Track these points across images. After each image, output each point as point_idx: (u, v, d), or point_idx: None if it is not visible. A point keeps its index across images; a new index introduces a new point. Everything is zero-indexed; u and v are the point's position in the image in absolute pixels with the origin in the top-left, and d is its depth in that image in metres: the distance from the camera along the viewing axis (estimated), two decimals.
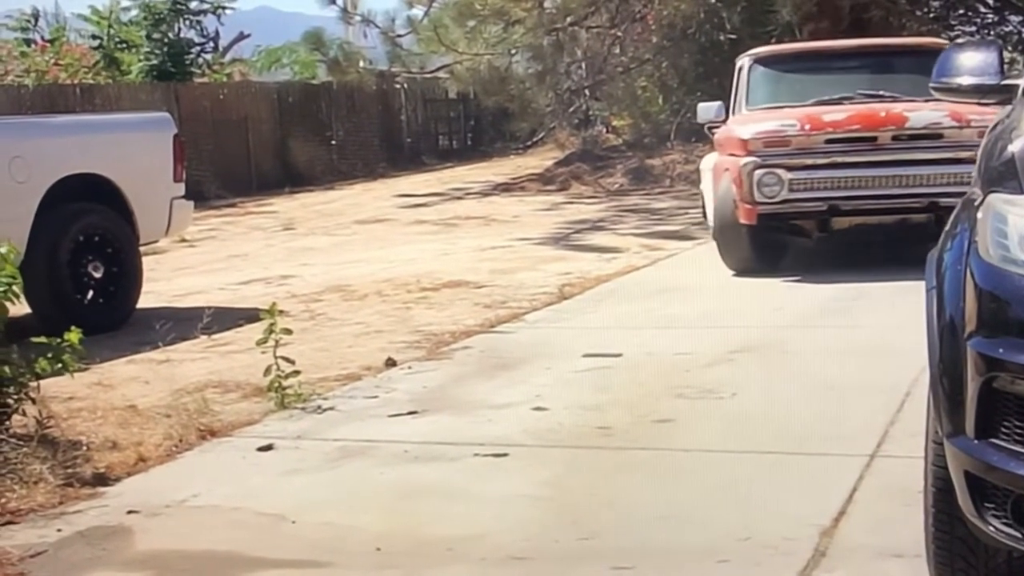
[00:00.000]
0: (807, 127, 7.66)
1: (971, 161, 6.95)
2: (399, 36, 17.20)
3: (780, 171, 7.46)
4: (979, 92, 3.35)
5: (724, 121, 8.75)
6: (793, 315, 6.64)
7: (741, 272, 7.93)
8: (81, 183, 7.29)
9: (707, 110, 8.96)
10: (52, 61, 19.66)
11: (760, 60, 8.81)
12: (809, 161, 7.52)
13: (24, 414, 4.47)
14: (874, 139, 7.58)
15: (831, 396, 4.82)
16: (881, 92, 8.25)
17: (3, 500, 3.93)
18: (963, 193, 7.49)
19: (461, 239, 11.55)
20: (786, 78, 8.69)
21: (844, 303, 6.90)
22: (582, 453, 4.32)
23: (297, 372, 5.12)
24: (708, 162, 9.36)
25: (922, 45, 8.87)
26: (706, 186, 9.33)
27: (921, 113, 7.62)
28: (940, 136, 7.48)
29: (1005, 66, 3.30)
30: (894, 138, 7.57)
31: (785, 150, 7.55)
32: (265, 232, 13.59)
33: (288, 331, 5.22)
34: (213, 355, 6.36)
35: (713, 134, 8.99)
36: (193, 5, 21.33)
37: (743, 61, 8.94)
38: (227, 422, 4.87)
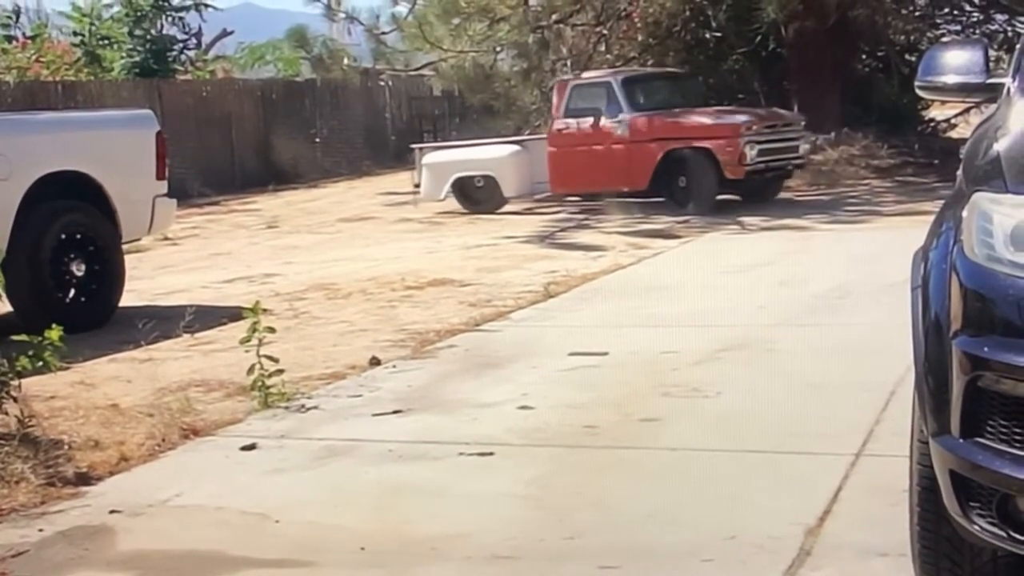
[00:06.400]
0: (755, 120, 12.70)
1: (795, 139, 13.05)
2: (384, 33, 17.15)
3: (756, 145, 12.25)
4: (964, 91, 3.34)
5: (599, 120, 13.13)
6: (778, 313, 6.64)
7: (708, 211, 11.98)
8: (63, 181, 7.23)
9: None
10: (33, 58, 19.54)
11: (626, 80, 13.19)
12: (761, 139, 12.40)
13: (5, 413, 4.44)
14: (776, 126, 12.85)
15: (817, 395, 4.83)
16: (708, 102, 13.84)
17: None
18: (796, 157, 11.76)
19: (446, 237, 11.53)
20: (645, 92, 13.24)
21: (830, 301, 6.92)
22: (568, 452, 4.31)
23: (281, 371, 5.10)
24: (496, 152, 13.64)
25: (685, 74, 14.72)
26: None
27: (786, 113, 13.71)
28: (790, 125, 13.04)
29: (991, 65, 3.29)
30: (780, 127, 12.91)
31: (752, 133, 12.36)
32: (249, 230, 13.54)
33: (272, 330, 5.20)
34: (196, 354, 6.33)
35: (599, 127, 12.94)
36: (176, 2, 21.25)
37: (610, 79, 13.20)
38: (210, 421, 4.84)
